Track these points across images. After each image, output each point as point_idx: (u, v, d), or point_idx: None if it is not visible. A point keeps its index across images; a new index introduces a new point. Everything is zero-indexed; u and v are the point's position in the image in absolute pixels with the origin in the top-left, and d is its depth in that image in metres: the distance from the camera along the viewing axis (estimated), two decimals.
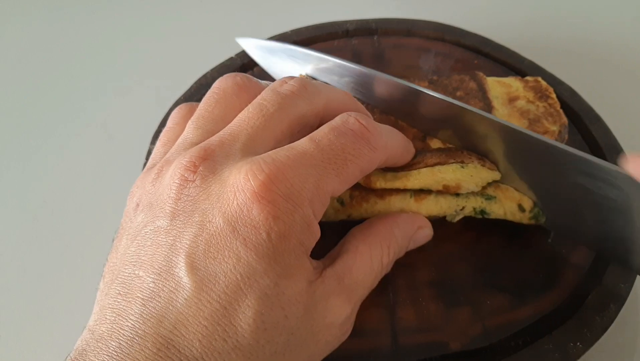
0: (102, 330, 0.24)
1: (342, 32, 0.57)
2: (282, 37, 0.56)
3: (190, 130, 0.31)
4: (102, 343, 0.23)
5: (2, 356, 0.40)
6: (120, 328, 0.23)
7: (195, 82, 0.52)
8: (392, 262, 0.33)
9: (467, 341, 0.34)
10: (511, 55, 0.53)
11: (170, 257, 0.24)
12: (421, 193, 0.38)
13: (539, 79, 0.43)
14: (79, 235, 0.47)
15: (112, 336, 0.23)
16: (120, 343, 0.23)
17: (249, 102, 0.30)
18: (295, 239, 0.26)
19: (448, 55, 0.54)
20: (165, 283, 0.24)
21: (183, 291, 0.24)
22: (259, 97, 0.30)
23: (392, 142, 0.33)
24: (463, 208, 0.38)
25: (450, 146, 0.37)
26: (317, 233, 0.28)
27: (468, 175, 0.36)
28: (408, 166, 0.36)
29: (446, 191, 0.37)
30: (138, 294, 0.24)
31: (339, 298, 0.28)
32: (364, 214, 0.38)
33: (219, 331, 0.23)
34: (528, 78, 0.43)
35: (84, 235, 0.47)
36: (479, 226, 0.40)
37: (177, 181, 0.26)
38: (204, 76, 0.52)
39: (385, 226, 0.33)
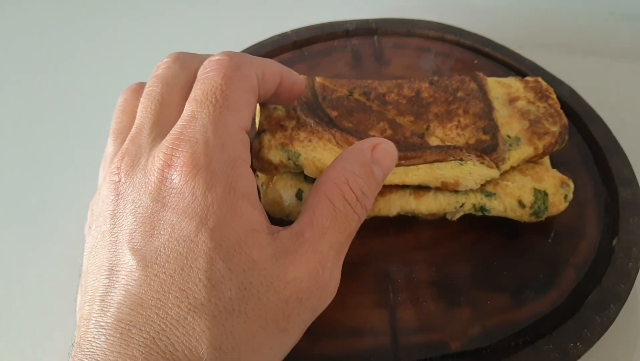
0: (76, 339, 0.26)
1: (342, 32, 0.57)
2: (282, 37, 0.56)
3: (109, 146, 0.34)
4: (77, 348, 0.25)
5: (2, 356, 0.40)
6: (87, 330, 0.25)
7: None
8: (365, 197, 0.31)
9: (467, 341, 0.34)
10: (511, 55, 0.53)
11: (116, 251, 0.26)
12: (420, 190, 0.38)
13: (539, 79, 0.43)
14: (79, 235, 0.47)
15: (83, 339, 0.25)
16: (90, 342, 0.24)
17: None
18: (222, 187, 0.26)
19: (448, 55, 0.54)
20: (117, 275, 0.26)
21: (132, 274, 0.25)
22: (145, 88, 0.33)
23: (263, 64, 0.32)
24: (463, 204, 0.38)
25: (449, 143, 0.37)
26: (248, 175, 0.28)
27: (467, 172, 0.36)
28: (406, 161, 0.36)
29: (445, 188, 0.37)
30: (97, 295, 0.26)
31: (299, 252, 0.28)
32: None
33: (171, 299, 0.24)
34: (528, 78, 0.43)
35: (84, 235, 0.47)
36: (479, 226, 0.40)
37: (109, 187, 0.28)
38: None
39: (332, 167, 0.31)
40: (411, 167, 0.36)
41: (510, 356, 0.34)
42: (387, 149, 0.32)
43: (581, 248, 0.39)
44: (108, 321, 0.24)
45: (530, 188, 0.38)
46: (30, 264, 0.45)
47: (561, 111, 0.40)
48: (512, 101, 0.41)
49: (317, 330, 0.35)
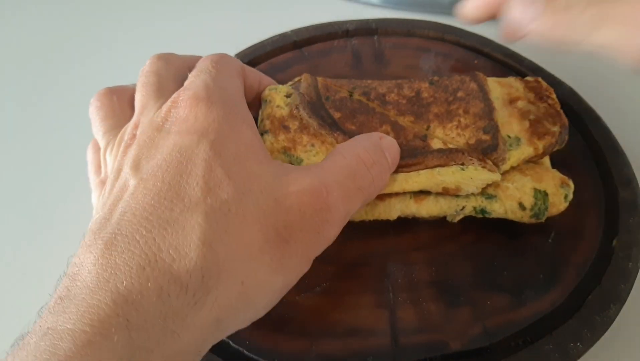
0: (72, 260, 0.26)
1: (342, 32, 0.57)
2: (282, 37, 0.56)
3: (94, 153, 0.37)
4: (71, 265, 0.25)
5: (1, 356, 0.40)
6: (84, 247, 0.25)
7: None
8: (378, 165, 0.32)
9: (467, 341, 0.34)
10: (511, 55, 0.53)
11: (121, 177, 0.28)
12: (421, 193, 0.38)
13: (539, 79, 0.43)
14: (79, 235, 0.47)
15: (77, 256, 0.25)
16: (80, 256, 0.25)
17: (121, 97, 0.36)
18: (223, 109, 0.28)
19: (448, 55, 0.54)
20: (122, 196, 0.26)
21: (133, 191, 0.26)
22: (137, 83, 0.36)
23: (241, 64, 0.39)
24: (463, 207, 0.38)
25: (452, 146, 0.37)
26: (247, 110, 0.31)
27: (468, 177, 0.36)
28: (408, 168, 0.36)
29: (446, 193, 0.37)
30: (101, 215, 0.26)
31: (303, 173, 0.29)
32: (365, 216, 0.38)
33: (165, 203, 0.25)
34: (528, 78, 0.43)
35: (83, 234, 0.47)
36: (479, 227, 0.40)
37: (122, 149, 0.30)
38: None
39: (349, 140, 0.34)
40: (412, 173, 0.36)
41: (510, 356, 0.34)
42: (393, 141, 0.34)
43: (581, 248, 0.39)
44: (103, 235, 0.24)
45: (530, 188, 0.38)
46: (30, 265, 0.45)
47: (561, 111, 0.40)
48: (512, 101, 0.41)
49: (317, 330, 0.35)
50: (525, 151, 0.38)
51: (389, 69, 0.53)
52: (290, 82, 0.42)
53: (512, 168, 0.38)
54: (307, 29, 0.57)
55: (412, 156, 0.36)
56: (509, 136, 0.38)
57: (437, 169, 0.36)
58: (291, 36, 0.56)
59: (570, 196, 0.38)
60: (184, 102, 0.28)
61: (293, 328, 0.35)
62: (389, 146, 0.34)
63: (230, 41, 0.56)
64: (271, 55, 0.55)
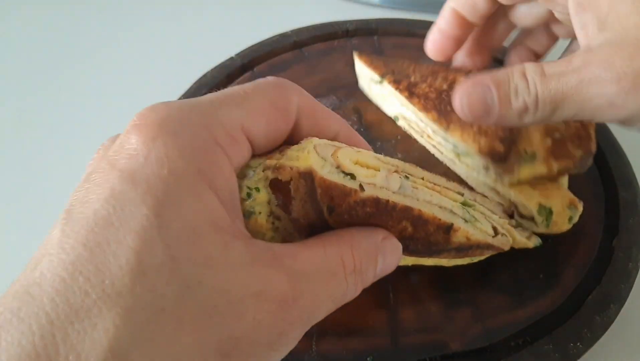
0: None
1: (342, 32, 0.57)
2: (282, 37, 0.56)
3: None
4: None
5: None
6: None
7: (195, 82, 0.52)
8: (362, 274, 0.26)
9: (467, 341, 0.34)
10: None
11: (54, 224, 0.21)
12: None
13: None
14: None
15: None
16: None
17: None
18: (185, 162, 0.21)
19: None
20: (47, 237, 0.21)
21: (52, 242, 0.20)
22: None
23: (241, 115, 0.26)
24: None
25: (474, 241, 0.31)
26: (226, 171, 0.23)
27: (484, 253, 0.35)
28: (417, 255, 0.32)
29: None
30: (28, 268, 0.21)
31: (273, 270, 0.22)
32: None
33: (80, 280, 0.18)
34: None
35: None
36: None
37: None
38: (204, 75, 0.53)
39: (340, 230, 0.27)
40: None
41: (510, 356, 0.34)
42: (395, 246, 0.28)
43: (581, 248, 0.39)
44: (5, 302, 0.19)
45: (535, 202, 0.36)
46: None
47: (593, 135, 0.38)
48: None
49: (317, 330, 0.35)
50: (537, 169, 0.37)
51: None
52: (264, 167, 0.27)
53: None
54: (307, 29, 0.57)
55: (427, 252, 0.31)
56: (525, 151, 0.37)
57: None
58: (291, 36, 0.56)
59: (576, 219, 0.37)
60: (142, 128, 0.22)
61: None
62: (390, 250, 0.28)
63: (230, 41, 0.56)
64: (271, 55, 0.55)
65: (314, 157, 0.25)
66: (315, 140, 0.26)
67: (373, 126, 0.48)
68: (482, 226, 0.32)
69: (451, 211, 0.30)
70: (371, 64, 0.46)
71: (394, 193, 0.27)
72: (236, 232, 0.22)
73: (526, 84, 0.30)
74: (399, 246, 0.28)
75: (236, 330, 0.21)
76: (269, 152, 0.27)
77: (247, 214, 0.26)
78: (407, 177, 0.29)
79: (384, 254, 0.27)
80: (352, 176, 0.26)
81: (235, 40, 0.56)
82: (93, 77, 0.62)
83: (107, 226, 0.20)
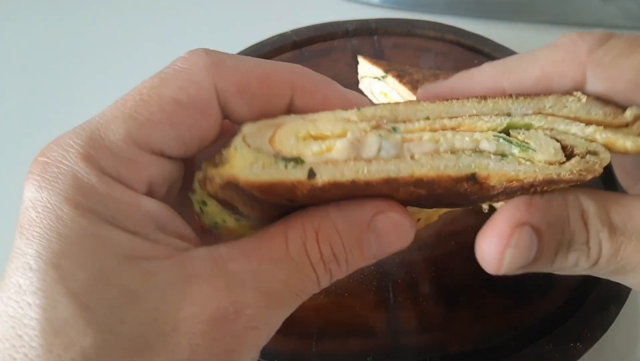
0: None
1: (342, 32, 0.57)
2: (282, 37, 0.56)
3: None
4: None
5: None
6: None
7: None
8: (334, 261, 0.23)
9: (467, 341, 0.34)
10: (511, 55, 0.53)
11: None
12: None
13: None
14: None
15: None
16: None
17: None
18: (72, 205, 0.20)
19: (448, 55, 0.54)
20: None
21: None
22: None
23: (245, 69, 0.24)
24: None
25: (523, 179, 0.23)
26: (117, 194, 0.21)
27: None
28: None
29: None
30: None
31: (210, 283, 0.20)
32: None
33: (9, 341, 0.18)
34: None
35: None
36: (479, 227, 0.40)
37: None
38: None
39: (315, 207, 0.23)
40: None
41: (510, 356, 0.34)
42: (395, 222, 0.23)
43: None
44: None
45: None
46: None
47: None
48: None
49: (318, 330, 0.35)
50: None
51: None
52: (197, 180, 0.24)
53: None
54: (307, 29, 0.57)
55: (466, 203, 0.27)
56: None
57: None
58: (291, 36, 0.56)
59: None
60: (27, 179, 0.21)
61: (293, 328, 0.34)
62: (387, 228, 0.23)
63: (230, 41, 0.56)
64: (271, 56, 0.55)
65: (236, 158, 0.21)
66: (246, 129, 0.22)
67: None
68: (537, 155, 0.23)
69: (475, 152, 0.23)
70: (375, 63, 0.48)
71: (367, 161, 0.21)
72: (161, 254, 0.21)
73: (586, 237, 0.23)
74: (402, 220, 0.23)
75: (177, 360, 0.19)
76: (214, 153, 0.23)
77: (213, 226, 0.24)
78: (394, 128, 0.23)
79: (378, 233, 0.23)
80: (298, 160, 0.21)
81: (236, 40, 0.56)
82: (93, 77, 0.62)
83: (17, 292, 0.19)
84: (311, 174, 0.21)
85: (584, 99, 0.24)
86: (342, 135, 0.22)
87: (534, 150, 0.23)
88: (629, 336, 0.38)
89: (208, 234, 0.25)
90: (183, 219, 0.23)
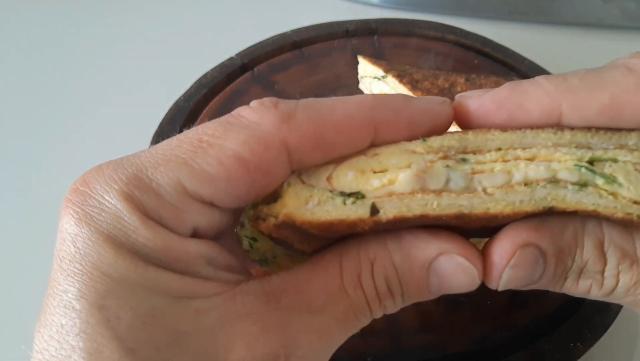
0: None
1: (342, 32, 0.57)
2: (282, 37, 0.56)
3: None
4: None
5: (2, 356, 0.40)
6: None
7: (195, 82, 0.52)
8: (390, 298, 0.22)
9: (467, 341, 0.34)
10: (511, 55, 0.53)
11: None
12: None
13: None
14: None
15: None
16: None
17: None
18: (116, 244, 0.19)
19: (448, 55, 0.54)
20: None
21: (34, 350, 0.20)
22: None
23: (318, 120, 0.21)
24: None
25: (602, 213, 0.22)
26: (162, 238, 0.20)
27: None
28: None
29: None
30: None
31: (261, 323, 0.20)
32: None
33: None
34: None
35: None
36: None
37: None
38: (204, 75, 0.52)
39: (374, 237, 0.22)
40: None
41: (510, 356, 0.34)
42: (462, 266, 0.21)
43: None
44: None
45: None
46: (30, 265, 0.45)
47: None
48: None
49: None
50: None
51: None
52: (248, 217, 0.23)
53: None
54: (307, 29, 0.57)
55: None
56: None
57: None
58: (291, 36, 0.56)
59: None
60: (62, 212, 0.20)
61: None
62: (449, 271, 0.21)
63: (230, 41, 0.56)
64: (271, 55, 0.55)
65: (290, 195, 0.20)
66: (302, 171, 0.21)
67: None
68: (623, 191, 0.21)
69: (550, 182, 0.21)
70: (375, 63, 0.48)
71: (436, 193, 0.20)
72: (211, 291, 0.20)
73: (601, 267, 0.22)
74: (468, 266, 0.21)
75: None
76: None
77: (263, 262, 0.24)
78: (463, 160, 0.21)
79: (440, 277, 0.22)
80: (358, 195, 0.20)
81: (235, 40, 0.56)
82: (93, 77, 0.62)
83: (58, 332, 0.19)
84: (374, 210, 0.19)
85: None
86: (406, 167, 0.20)
87: (620, 185, 0.21)
88: (629, 336, 0.38)
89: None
90: (229, 251, 0.22)
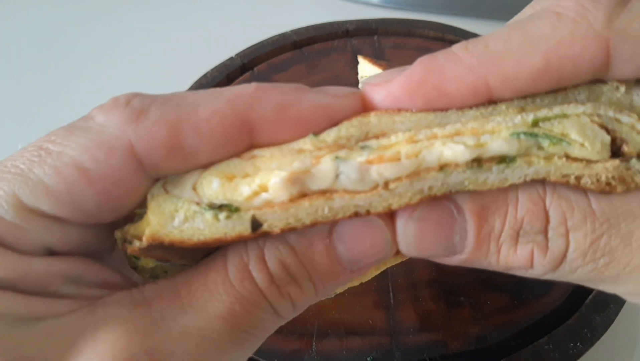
0: None
1: (342, 32, 0.57)
2: (282, 37, 0.56)
3: None
4: None
5: None
6: None
7: (195, 82, 0.52)
8: (293, 283, 0.19)
9: (466, 341, 0.34)
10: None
11: None
12: None
13: None
14: None
15: None
16: None
17: None
18: None
19: None
20: None
21: None
22: None
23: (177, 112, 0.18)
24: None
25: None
26: (2, 259, 0.17)
27: None
28: None
29: None
30: None
31: (118, 330, 0.17)
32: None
33: None
34: None
35: None
36: None
37: None
38: (204, 75, 0.52)
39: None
40: None
41: (510, 356, 0.34)
42: (364, 221, 0.18)
43: None
44: None
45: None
46: None
47: None
48: None
49: (317, 330, 0.35)
50: None
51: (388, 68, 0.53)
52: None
53: None
54: (306, 28, 0.57)
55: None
56: None
57: None
58: (291, 36, 0.56)
59: None
60: None
61: (293, 327, 0.34)
62: (352, 230, 0.19)
63: (230, 41, 0.56)
64: (271, 56, 0.55)
65: (152, 209, 0.17)
66: (167, 178, 0.18)
67: None
68: (574, 150, 0.18)
69: (471, 166, 0.17)
70: (376, 63, 0.48)
71: (322, 194, 0.17)
72: (66, 309, 0.18)
73: (543, 225, 0.18)
74: (371, 219, 0.18)
75: None
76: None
77: (153, 277, 0.21)
78: (363, 147, 0.18)
79: (344, 240, 0.19)
80: (231, 208, 0.17)
81: (235, 40, 0.56)
82: (93, 77, 0.62)
83: None
84: (255, 224, 0.17)
85: (622, 87, 0.18)
86: (289, 162, 0.17)
87: (570, 143, 0.17)
88: (629, 336, 0.38)
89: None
90: (109, 265, 0.20)
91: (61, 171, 0.17)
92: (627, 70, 0.18)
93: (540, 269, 0.19)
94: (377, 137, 0.18)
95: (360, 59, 0.50)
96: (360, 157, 0.17)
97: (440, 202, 0.18)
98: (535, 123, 0.18)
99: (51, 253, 0.19)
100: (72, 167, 0.17)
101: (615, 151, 0.18)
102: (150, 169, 0.18)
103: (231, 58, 0.54)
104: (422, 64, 0.19)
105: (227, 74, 0.53)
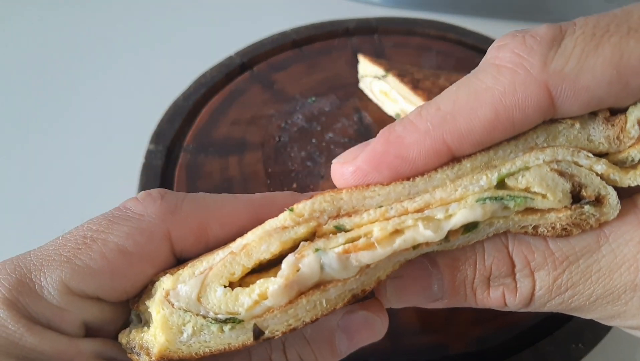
0: None
1: (342, 31, 0.57)
2: (282, 36, 0.56)
3: None
4: None
5: None
6: None
7: (195, 81, 0.52)
8: None
9: (467, 342, 0.34)
10: None
11: None
12: None
13: None
14: None
15: None
16: None
17: None
18: (3, 355, 0.19)
19: (449, 55, 0.54)
20: None
21: None
22: None
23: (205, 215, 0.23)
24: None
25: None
26: (49, 342, 0.20)
27: None
28: None
29: None
30: None
31: None
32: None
33: None
34: None
35: None
36: None
37: None
38: (204, 74, 0.52)
39: None
40: None
41: (511, 357, 0.33)
42: (367, 318, 0.22)
43: None
44: None
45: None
46: None
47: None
48: None
49: None
50: None
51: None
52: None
53: None
54: (306, 27, 0.57)
55: None
56: None
57: None
58: (291, 35, 0.56)
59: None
60: None
61: None
62: (356, 325, 0.22)
63: (230, 41, 0.56)
64: (270, 55, 0.55)
65: (160, 324, 0.19)
66: (166, 283, 0.20)
67: (373, 126, 0.48)
68: (537, 203, 0.19)
69: (442, 242, 0.19)
70: (376, 62, 0.48)
71: (317, 289, 0.19)
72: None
73: (510, 269, 0.20)
74: (373, 317, 0.22)
75: None
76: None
77: None
78: (337, 227, 0.19)
79: (348, 332, 0.22)
80: (235, 320, 0.18)
81: (235, 39, 0.56)
82: (93, 77, 0.62)
83: None
84: (257, 332, 0.18)
85: (576, 124, 0.20)
86: (284, 250, 0.19)
87: (533, 198, 0.19)
88: (631, 338, 0.38)
89: None
90: None
91: (106, 255, 0.20)
92: (574, 107, 0.19)
93: (513, 307, 0.21)
94: (349, 214, 0.19)
95: (361, 57, 0.50)
96: (337, 248, 0.18)
97: (416, 259, 0.20)
98: (500, 181, 0.19)
99: (87, 329, 0.21)
100: (117, 252, 0.20)
101: (576, 195, 0.19)
102: (177, 252, 0.21)
103: (230, 57, 0.54)
104: (383, 136, 0.20)
105: (226, 73, 0.53)
